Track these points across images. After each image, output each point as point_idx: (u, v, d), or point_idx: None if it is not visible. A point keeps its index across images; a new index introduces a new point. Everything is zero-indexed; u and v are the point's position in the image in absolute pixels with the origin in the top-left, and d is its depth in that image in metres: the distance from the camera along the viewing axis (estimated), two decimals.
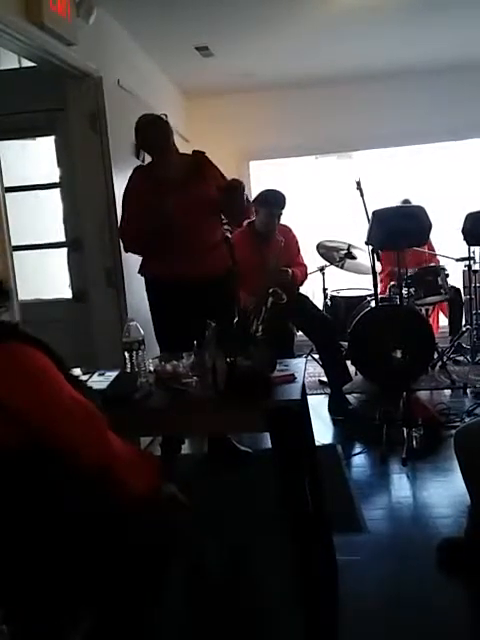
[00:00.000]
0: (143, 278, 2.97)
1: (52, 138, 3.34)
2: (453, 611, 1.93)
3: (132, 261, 3.23)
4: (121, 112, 3.37)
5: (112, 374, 1.96)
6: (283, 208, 3.66)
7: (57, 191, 3.37)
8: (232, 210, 2.89)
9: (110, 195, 3.18)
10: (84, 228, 3.24)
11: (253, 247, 3.63)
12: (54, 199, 3.39)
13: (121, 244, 3.21)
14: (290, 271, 3.66)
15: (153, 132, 2.81)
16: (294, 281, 3.72)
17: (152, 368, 2.02)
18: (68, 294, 3.38)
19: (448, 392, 4.12)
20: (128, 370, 1.94)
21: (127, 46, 3.82)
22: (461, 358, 4.70)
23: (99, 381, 1.89)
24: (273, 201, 3.61)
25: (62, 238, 3.37)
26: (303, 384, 2.00)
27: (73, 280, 3.35)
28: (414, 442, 3.10)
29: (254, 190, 5.47)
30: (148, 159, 3.61)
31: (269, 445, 1.81)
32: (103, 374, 1.99)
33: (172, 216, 2.68)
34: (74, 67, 2.95)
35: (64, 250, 3.38)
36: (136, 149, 2.84)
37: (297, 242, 3.93)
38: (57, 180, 3.35)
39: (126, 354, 1.94)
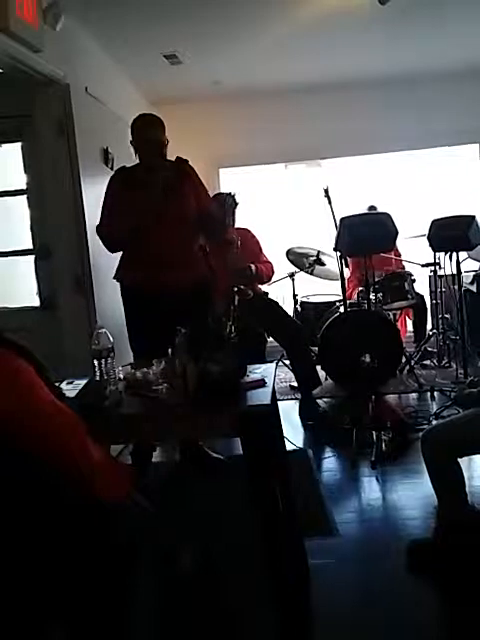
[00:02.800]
0: (118, 284, 2.96)
1: (19, 145, 3.31)
2: (423, 612, 1.95)
3: (102, 267, 3.21)
4: (89, 119, 3.36)
5: (81, 382, 1.94)
6: (235, 207, 3.71)
7: (24, 198, 3.33)
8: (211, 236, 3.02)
9: (78, 202, 3.16)
10: (52, 235, 3.21)
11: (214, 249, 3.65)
12: (21, 206, 3.35)
13: (91, 250, 3.20)
14: (253, 267, 3.71)
15: (149, 139, 2.80)
16: (261, 277, 3.79)
17: (122, 376, 2.01)
18: (36, 302, 3.34)
19: (415, 395, 4.20)
20: (97, 378, 1.92)
21: (95, 53, 3.81)
22: (428, 362, 4.79)
23: (68, 390, 1.87)
24: (225, 204, 3.66)
25: (30, 245, 3.32)
26: (273, 389, 2.02)
27: (41, 288, 3.31)
28: (383, 445, 3.14)
29: None
30: (116, 165, 3.62)
31: (241, 452, 1.82)
32: (72, 383, 1.96)
33: (153, 228, 2.70)
34: (41, 73, 2.93)
35: (31, 257, 3.34)
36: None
37: (258, 242, 4.00)
38: (24, 187, 3.31)
39: (95, 362, 1.92)
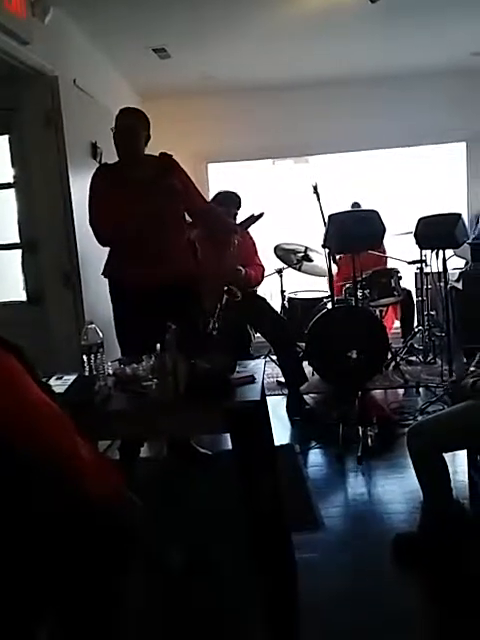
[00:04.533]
0: (106, 280, 2.95)
1: (6, 137, 3.27)
2: (407, 604, 1.98)
3: (91, 262, 3.19)
4: (77, 112, 3.33)
5: (70, 378, 1.94)
6: (239, 208, 3.73)
7: (11, 191, 3.30)
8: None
9: (66, 195, 3.14)
10: (40, 229, 3.18)
11: (209, 247, 3.65)
12: (8, 200, 3.32)
13: (79, 245, 3.19)
14: (243, 270, 3.72)
15: (121, 126, 2.76)
16: (249, 281, 3.79)
17: (111, 371, 2.02)
18: (23, 296, 3.31)
19: (401, 391, 4.24)
20: (86, 373, 1.93)
21: (83, 46, 3.77)
22: (414, 358, 4.84)
23: (57, 385, 1.86)
24: (229, 202, 3.67)
25: (16, 239, 3.30)
26: (262, 385, 2.04)
27: (28, 282, 3.29)
28: (369, 440, 3.18)
29: (212, 193, 5.52)
30: (105, 160, 3.59)
31: (229, 447, 1.83)
32: (61, 378, 1.96)
33: (139, 223, 2.69)
34: (29, 66, 2.91)
35: (18, 251, 3.31)
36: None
37: (254, 243, 4.00)
38: (11, 180, 3.28)
39: (84, 357, 1.92)
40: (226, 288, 3.46)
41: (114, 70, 4.49)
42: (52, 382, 1.91)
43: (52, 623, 1.30)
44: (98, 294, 3.07)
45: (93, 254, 3.12)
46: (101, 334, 1.96)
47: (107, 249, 2.92)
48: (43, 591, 1.28)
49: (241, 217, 3.45)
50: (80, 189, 3.18)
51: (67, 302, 3.14)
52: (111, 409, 1.81)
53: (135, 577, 1.49)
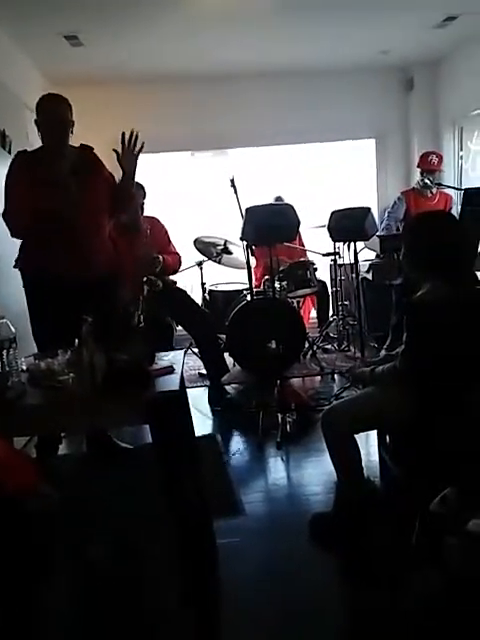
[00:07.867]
0: (19, 273, 2.84)
1: None
2: (325, 582, 2.07)
3: (2, 255, 3.08)
4: None
5: None
6: (144, 197, 3.70)
7: None
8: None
9: None
10: None
11: (124, 239, 3.60)
12: None
13: None
14: (160, 258, 3.71)
15: (51, 116, 2.67)
16: (166, 268, 3.79)
17: (25, 367, 1.97)
18: None
19: (318, 378, 4.40)
20: None
21: None
22: (329, 346, 5.03)
23: None
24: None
25: None
26: (182, 375, 2.06)
27: None
28: (288, 427, 3.28)
29: None
30: (15, 149, 3.45)
31: (150, 440, 1.84)
32: None
33: (61, 216, 2.61)
34: None
35: None
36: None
37: (166, 231, 3.97)
38: None
39: None
40: (146, 279, 3.45)
41: (24, 56, 4.31)
42: None
43: None
44: (10, 288, 2.96)
45: (4, 245, 3.00)
46: (13, 329, 1.91)
47: (19, 240, 2.81)
48: None
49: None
50: None
51: None
52: (25, 404, 1.77)
53: (53, 567, 1.47)
